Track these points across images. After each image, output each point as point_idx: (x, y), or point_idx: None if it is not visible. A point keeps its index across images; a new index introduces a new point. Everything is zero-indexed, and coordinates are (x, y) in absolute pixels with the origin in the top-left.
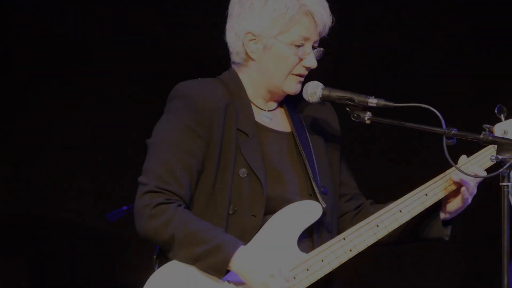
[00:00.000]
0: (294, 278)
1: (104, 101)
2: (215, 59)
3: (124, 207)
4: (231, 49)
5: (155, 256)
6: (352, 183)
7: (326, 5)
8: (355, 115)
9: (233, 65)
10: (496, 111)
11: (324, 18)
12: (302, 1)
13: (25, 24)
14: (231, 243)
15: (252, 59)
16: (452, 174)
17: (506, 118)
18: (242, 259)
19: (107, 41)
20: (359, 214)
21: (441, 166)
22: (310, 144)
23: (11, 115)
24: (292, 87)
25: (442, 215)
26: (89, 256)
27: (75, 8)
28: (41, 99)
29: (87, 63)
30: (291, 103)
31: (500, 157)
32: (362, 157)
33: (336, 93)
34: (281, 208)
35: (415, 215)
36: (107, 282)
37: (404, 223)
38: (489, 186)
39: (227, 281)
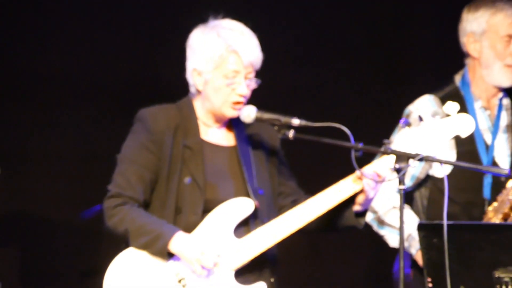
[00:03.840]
0: (226, 259)
1: (87, 120)
2: (174, 88)
3: (98, 207)
4: (188, 82)
5: (124, 245)
6: (289, 183)
7: (251, 44)
8: (282, 132)
9: (190, 93)
10: (402, 124)
11: (248, 55)
12: (228, 42)
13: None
14: (169, 231)
15: (200, 91)
16: (355, 176)
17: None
18: (178, 243)
19: (89, 72)
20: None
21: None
22: (251, 155)
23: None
24: (229, 112)
25: (355, 207)
26: (70, 247)
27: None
28: (27, 111)
29: (68, 94)
30: (238, 122)
31: (397, 166)
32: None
33: (267, 115)
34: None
35: (331, 207)
36: (84, 266)
37: (327, 214)
38: None
39: (172, 260)
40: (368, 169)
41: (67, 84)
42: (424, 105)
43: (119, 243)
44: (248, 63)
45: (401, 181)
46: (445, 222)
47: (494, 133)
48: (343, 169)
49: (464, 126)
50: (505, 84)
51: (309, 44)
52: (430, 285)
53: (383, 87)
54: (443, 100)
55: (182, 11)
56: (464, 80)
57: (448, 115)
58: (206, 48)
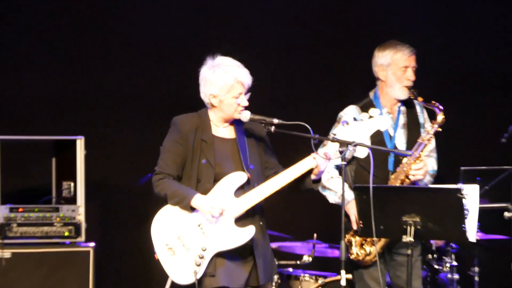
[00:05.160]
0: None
1: (142, 123)
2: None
3: (149, 174)
4: (204, 101)
5: (164, 203)
6: (272, 160)
7: (247, 73)
8: (266, 128)
9: (206, 107)
10: (343, 123)
11: (247, 81)
12: (234, 75)
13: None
14: (191, 194)
15: (215, 106)
16: (311, 156)
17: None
18: (197, 201)
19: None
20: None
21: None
22: (246, 143)
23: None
24: (237, 116)
25: (312, 176)
26: (130, 203)
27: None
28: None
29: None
30: (238, 122)
31: (340, 149)
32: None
33: (257, 116)
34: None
35: (297, 176)
36: (138, 216)
37: (295, 180)
38: None
39: (194, 213)
40: (320, 151)
41: (131, 97)
42: (349, 111)
43: (161, 202)
44: (247, 86)
45: (343, 159)
46: (371, 185)
47: (395, 129)
48: (305, 152)
49: (382, 124)
50: (402, 97)
51: (284, 67)
52: (361, 226)
53: (332, 98)
54: (362, 108)
55: (208, 47)
56: (375, 95)
57: (371, 117)
58: (219, 81)
